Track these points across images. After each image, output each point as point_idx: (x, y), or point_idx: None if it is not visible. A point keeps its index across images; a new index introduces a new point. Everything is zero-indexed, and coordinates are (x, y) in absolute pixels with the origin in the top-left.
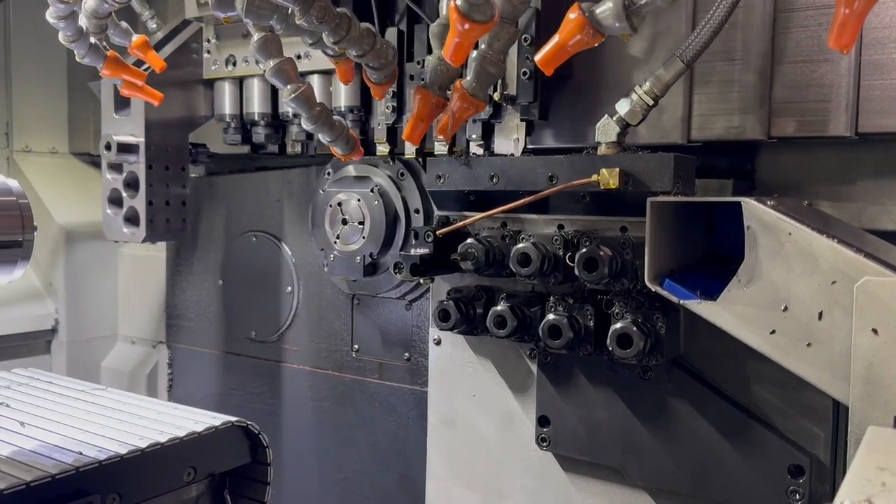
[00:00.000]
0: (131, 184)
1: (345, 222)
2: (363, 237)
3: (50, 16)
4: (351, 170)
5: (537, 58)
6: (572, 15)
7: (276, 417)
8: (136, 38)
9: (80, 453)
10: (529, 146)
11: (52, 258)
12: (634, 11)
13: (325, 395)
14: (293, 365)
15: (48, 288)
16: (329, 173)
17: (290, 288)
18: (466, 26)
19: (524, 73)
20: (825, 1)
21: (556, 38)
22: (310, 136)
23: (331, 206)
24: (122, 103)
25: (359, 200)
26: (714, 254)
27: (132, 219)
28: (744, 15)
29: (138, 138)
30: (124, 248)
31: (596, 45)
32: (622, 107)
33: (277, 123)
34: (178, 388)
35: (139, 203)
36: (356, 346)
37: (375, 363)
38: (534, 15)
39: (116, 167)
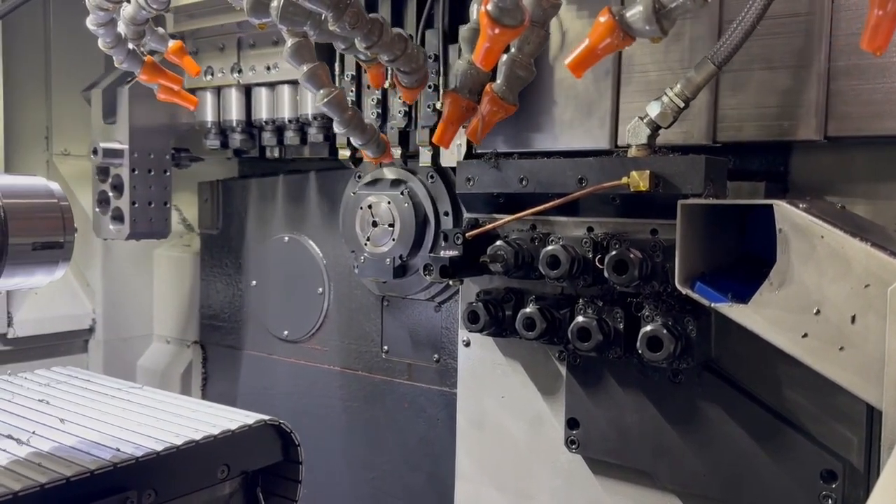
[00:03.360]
0: (117, 186)
1: (375, 224)
2: (393, 239)
3: (90, 23)
4: (381, 172)
5: (567, 62)
6: (602, 18)
7: (308, 417)
8: (172, 43)
9: (118, 450)
10: (479, 150)
11: (90, 259)
12: (665, 14)
13: (355, 395)
14: (324, 365)
15: (86, 288)
16: (359, 176)
17: (320, 289)
18: (497, 31)
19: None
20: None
21: (585, 42)
22: (280, 141)
23: (361, 208)
24: (110, 111)
25: (389, 203)
26: (746, 256)
27: (118, 218)
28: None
29: (123, 144)
30: (159, 250)
31: (626, 47)
32: (653, 109)
33: (252, 129)
34: (212, 387)
35: (124, 204)
36: (386, 348)
37: (405, 364)
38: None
39: (104, 170)
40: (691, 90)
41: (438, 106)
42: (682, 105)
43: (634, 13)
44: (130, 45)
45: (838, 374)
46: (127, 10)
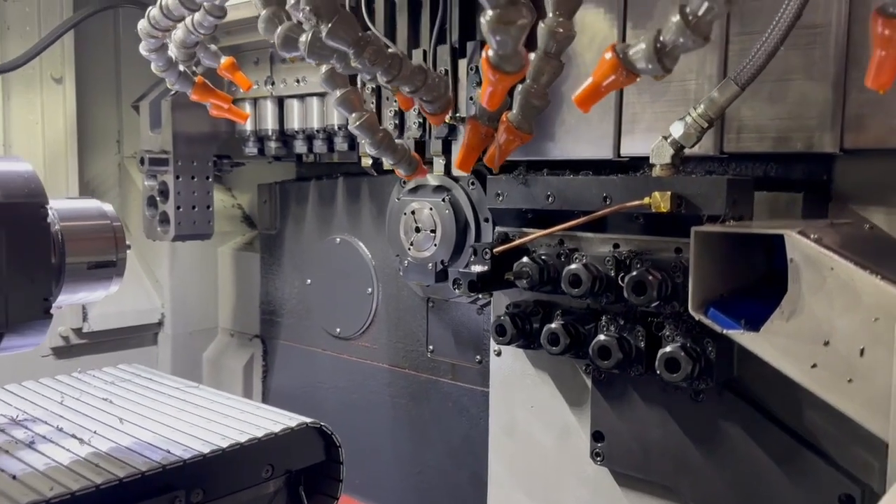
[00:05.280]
0: (164, 191)
1: (418, 230)
2: (435, 244)
3: (143, 49)
4: (424, 179)
5: (574, 97)
6: (607, 55)
7: (358, 411)
8: (224, 59)
9: (168, 451)
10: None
11: (159, 258)
12: (666, 53)
13: (402, 392)
14: (373, 362)
15: (155, 285)
16: (404, 182)
17: (370, 289)
18: (497, 77)
19: (470, 98)
20: None
21: (590, 79)
22: (311, 148)
23: (405, 214)
24: (156, 121)
25: (431, 209)
26: (775, 274)
27: (165, 220)
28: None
29: (167, 153)
30: (223, 248)
31: (630, 84)
32: (676, 129)
33: (285, 137)
34: (271, 379)
35: (169, 208)
36: (431, 347)
37: (448, 364)
38: (477, 46)
39: (153, 176)
40: (714, 111)
41: (447, 119)
42: (705, 125)
43: (637, 52)
44: (181, 67)
45: (846, 405)
46: (177, 34)
